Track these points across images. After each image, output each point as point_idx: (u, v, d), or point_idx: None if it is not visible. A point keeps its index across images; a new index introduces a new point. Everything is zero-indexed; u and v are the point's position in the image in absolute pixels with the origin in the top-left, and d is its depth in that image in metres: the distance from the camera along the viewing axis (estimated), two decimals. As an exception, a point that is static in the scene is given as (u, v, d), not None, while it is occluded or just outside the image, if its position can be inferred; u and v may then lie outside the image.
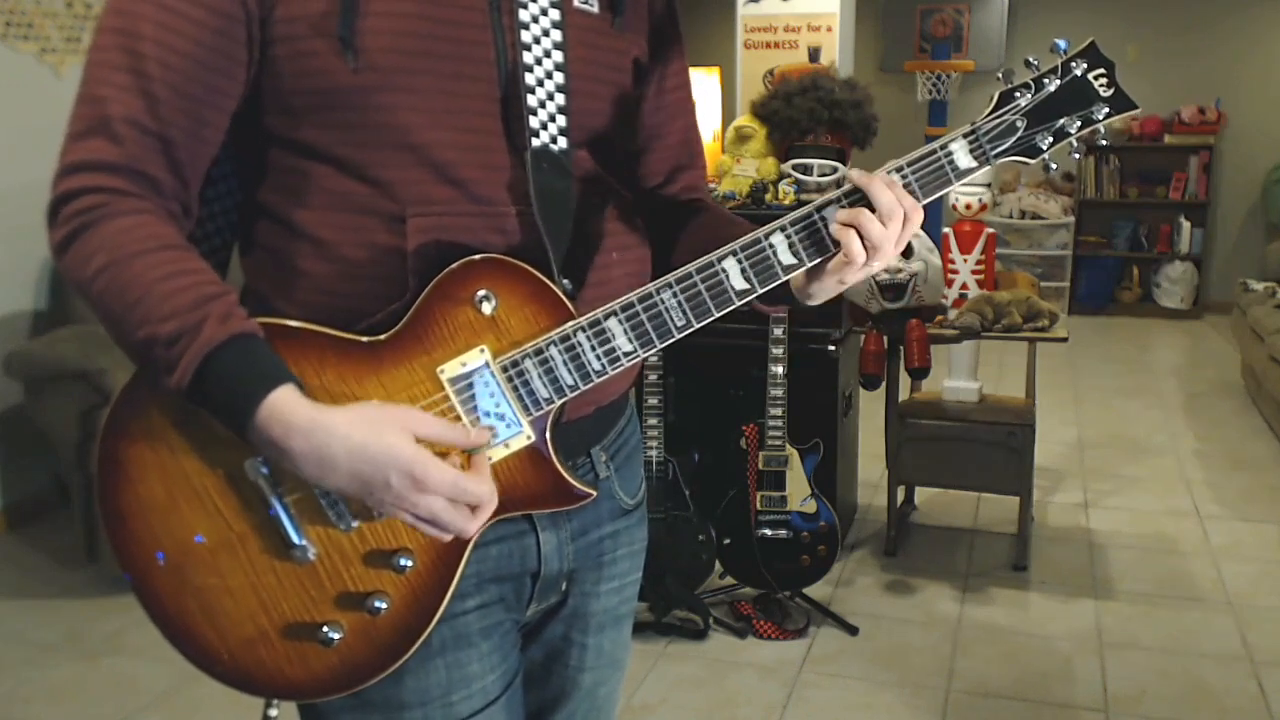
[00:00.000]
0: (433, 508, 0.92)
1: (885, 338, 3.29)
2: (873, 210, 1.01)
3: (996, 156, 1.05)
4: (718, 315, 1.04)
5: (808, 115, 3.30)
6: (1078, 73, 1.05)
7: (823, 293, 1.08)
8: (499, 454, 1.00)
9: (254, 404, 0.90)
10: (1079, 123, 1.05)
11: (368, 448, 0.90)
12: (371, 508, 0.95)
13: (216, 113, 0.98)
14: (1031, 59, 1.05)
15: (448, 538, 0.97)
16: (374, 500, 0.93)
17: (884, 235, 1.00)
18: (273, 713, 1.06)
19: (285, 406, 0.90)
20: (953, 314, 3.42)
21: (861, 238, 1.01)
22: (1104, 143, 1.08)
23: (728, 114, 4.22)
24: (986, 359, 4.18)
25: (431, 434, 0.94)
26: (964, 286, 3.56)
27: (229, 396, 0.91)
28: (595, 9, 1.10)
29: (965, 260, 3.55)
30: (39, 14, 3.90)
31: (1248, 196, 7.46)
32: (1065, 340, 3.43)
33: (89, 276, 0.93)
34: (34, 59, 3.89)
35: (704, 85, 4.44)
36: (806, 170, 3.32)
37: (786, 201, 3.34)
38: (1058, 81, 1.04)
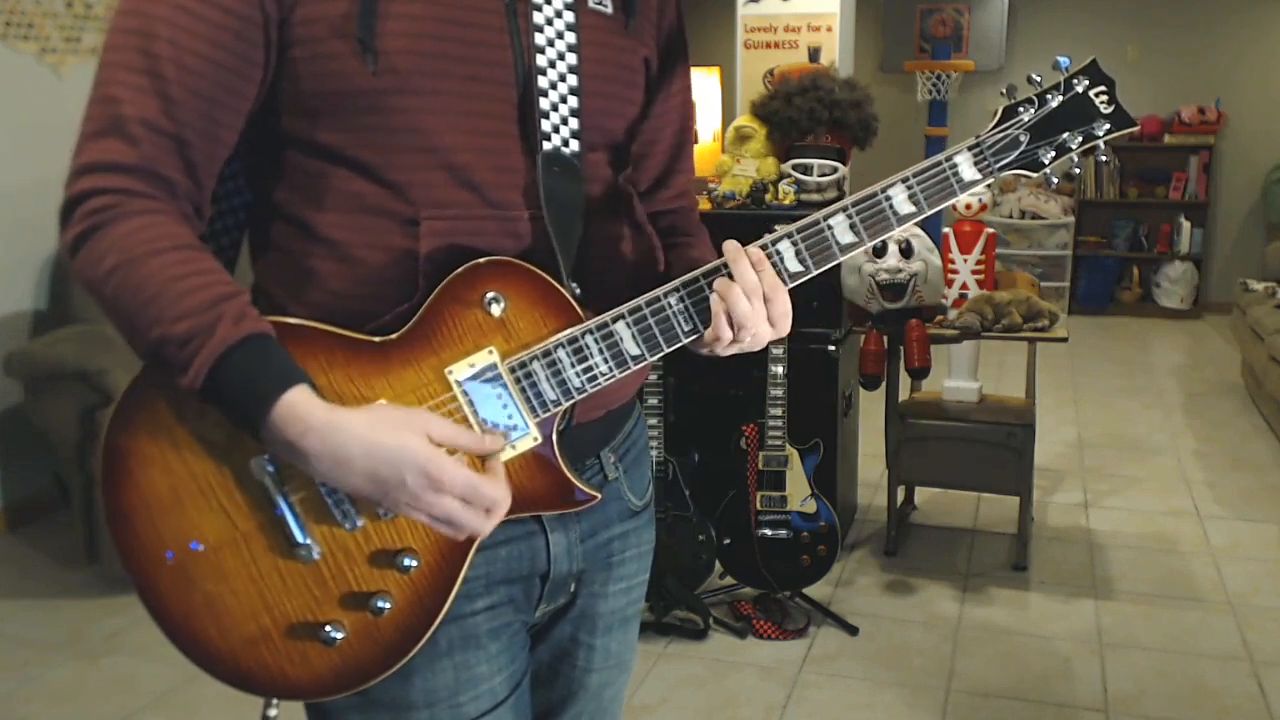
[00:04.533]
0: (448, 508, 0.92)
1: (885, 338, 3.29)
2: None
3: (1000, 169, 1.07)
4: None
5: (808, 115, 3.30)
6: (1079, 89, 1.07)
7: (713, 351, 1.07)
8: (505, 455, 1.00)
9: (268, 404, 0.90)
10: (1080, 138, 1.08)
11: (384, 447, 0.90)
12: (387, 507, 0.95)
13: (232, 114, 0.98)
14: (1034, 75, 1.08)
15: (462, 536, 0.97)
16: (390, 500, 0.93)
17: (748, 313, 1.01)
18: (272, 713, 1.05)
19: (301, 406, 0.91)
20: (953, 314, 3.42)
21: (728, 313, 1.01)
22: (1104, 159, 1.10)
23: (728, 114, 4.23)
24: (986, 359, 4.19)
25: (444, 437, 0.95)
26: (964, 286, 3.56)
27: (243, 397, 0.91)
28: (609, 10, 1.10)
29: (965, 260, 3.55)
30: (39, 14, 3.89)
31: (1248, 196, 7.46)
32: (1065, 340, 3.43)
33: (101, 276, 0.93)
34: (34, 59, 3.89)
35: (704, 85, 4.44)
36: (806, 170, 3.32)
37: (786, 201, 3.35)
38: (1060, 98, 1.07)
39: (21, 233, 3.80)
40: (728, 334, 1.02)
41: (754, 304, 1.01)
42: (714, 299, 1.02)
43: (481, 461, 0.98)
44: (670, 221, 1.26)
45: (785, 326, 1.04)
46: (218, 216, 1.10)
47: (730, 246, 1.02)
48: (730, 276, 1.02)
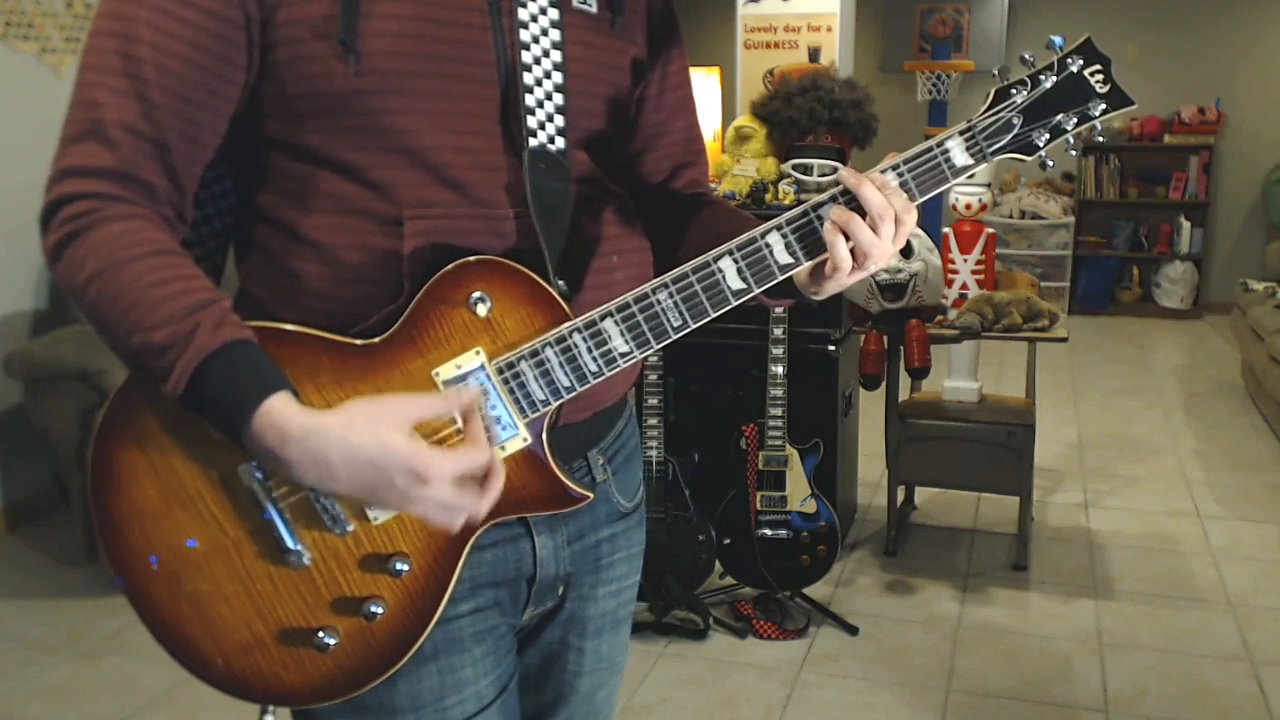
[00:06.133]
0: (442, 496, 0.91)
1: (885, 338, 3.29)
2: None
3: (993, 154, 1.04)
4: (714, 315, 1.03)
5: (808, 115, 3.30)
6: (1074, 69, 1.04)
7: (825, 291, 1.07)
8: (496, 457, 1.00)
9: (248, 413, 0.89)
10: (1076, 119, 1.04)
11: (363, 449, 0.89)
12: (381, 506, 0.95)
13: (213, 116, 0.97)
14: (1027, 55, 1.04)
15: (459, 525, 0.94)
16: (381, 501, 0.93)
17: (873, 241, 0.99)
18: (269, 718, 1.05)
19: (279, 415, 0.89)
20: (953, 314, 3.42)
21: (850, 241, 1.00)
22: (1100, 139, 1.07)
23: (728, 114, 4.22)
24: (986, 359, 4.18)
25: (426, 414, 0.94)
26: (964, 286, 3.55)
27: (223, 405, 0.90)
28: (594, 9, 1.09)
29: (965, 260, 3.55)
30: (39, 14, 3.89)
31: (1248, 196, 7.45)
32: (1065, 340, 3.43)
33: (82, 283, 0.92)
34: (34, 59, 3.89)
35: (704, 85, 4.43)
36: (806, 170, 3.32)
37: (786, 201, 3.34)
38: (1054, 78, 1.03)
39: (21, 233, 3.80)
40: (848, 262, 1.00)
41: (883, 229, 0.99)
42: (828, 229, 1.00)
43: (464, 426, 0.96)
44: (692, 208, 1.24)
45: (900, 245, 1.03)
46: (204, 221, 1.09)
47: (847, 173, 1.01)
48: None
